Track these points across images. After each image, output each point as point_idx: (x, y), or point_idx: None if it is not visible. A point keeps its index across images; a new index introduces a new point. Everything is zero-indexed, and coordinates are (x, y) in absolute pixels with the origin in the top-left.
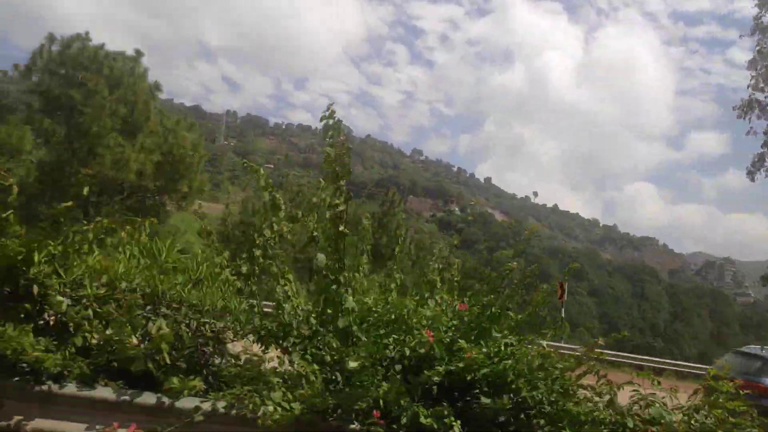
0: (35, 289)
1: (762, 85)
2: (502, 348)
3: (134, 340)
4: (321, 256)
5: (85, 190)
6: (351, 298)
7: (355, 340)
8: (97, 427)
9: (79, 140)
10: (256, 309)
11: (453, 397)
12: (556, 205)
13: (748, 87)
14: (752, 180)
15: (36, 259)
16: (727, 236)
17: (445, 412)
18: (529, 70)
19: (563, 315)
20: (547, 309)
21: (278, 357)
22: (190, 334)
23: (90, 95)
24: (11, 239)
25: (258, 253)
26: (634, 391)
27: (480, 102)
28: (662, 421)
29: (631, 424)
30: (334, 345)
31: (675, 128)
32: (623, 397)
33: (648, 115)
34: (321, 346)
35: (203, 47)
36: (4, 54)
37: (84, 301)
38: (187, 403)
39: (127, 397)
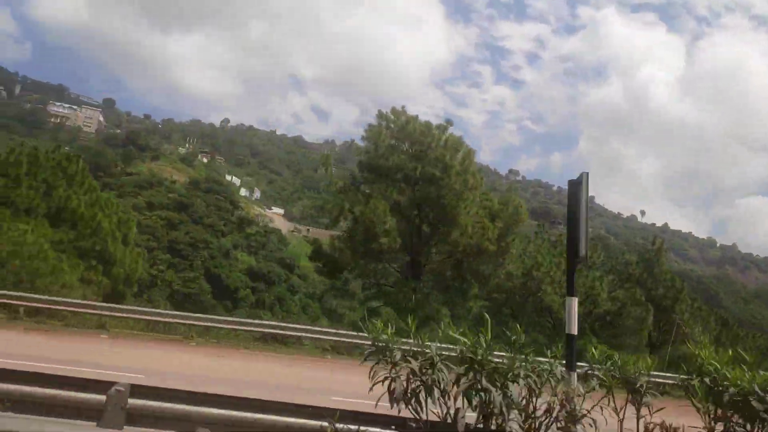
0: None
1: None
2: None
3: None
4: None
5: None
6: None
7: None
8: None
9: (430, 208)
10: None
11: None
12: (666, 224)
13: None
14: None
15: None
16: None
17: None
18: (626, 85)
19: None
20: None
21: None
22: None
23: (434, 165)
24: None
25: None
26: None
27: (573, 119)
28: None
29: None
30: None
31: None
32: None
33: (762, 125)
34: None
35: (294, 80)
36: (126, 96)
37: None
38: None
39: None
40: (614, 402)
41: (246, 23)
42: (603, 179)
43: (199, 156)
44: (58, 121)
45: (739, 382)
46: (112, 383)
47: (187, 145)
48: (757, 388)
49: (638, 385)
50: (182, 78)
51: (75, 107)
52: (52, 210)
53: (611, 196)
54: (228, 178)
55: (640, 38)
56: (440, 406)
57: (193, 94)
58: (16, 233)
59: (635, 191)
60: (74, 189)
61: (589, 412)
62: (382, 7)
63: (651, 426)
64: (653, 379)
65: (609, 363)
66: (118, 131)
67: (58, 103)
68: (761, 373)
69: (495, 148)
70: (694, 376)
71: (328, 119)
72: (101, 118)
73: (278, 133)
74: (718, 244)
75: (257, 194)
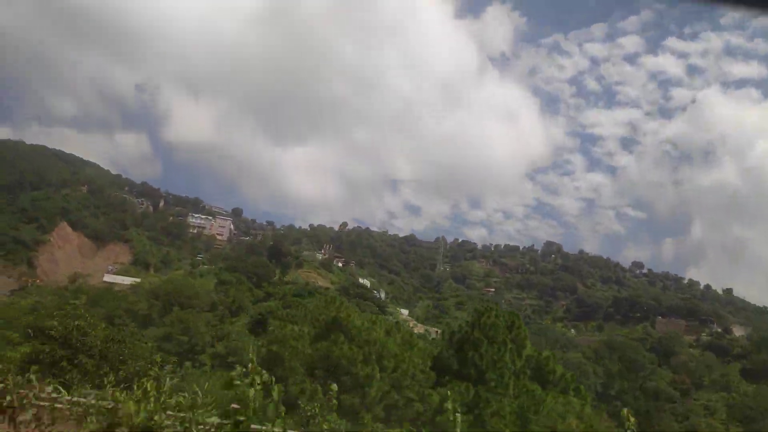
0: None
1: None
2: None
3: None
4: None
5: None
6: None
7: None
8: None
9: None
10: None
11: None
12: None
13: None
14: None
15: None
16: None
17: None
18: (739, 165)
19: None
20: None
21: None
22: None
23: None
24: None
25: None
26: None
27: (680, 204)
28: None
29: None
30: None
31: None
32: None
33: None
34: None
35: (392, 180)
36: (242, 203)
37: None
38: None
39: None
40: None
41: (351, 131)
42: (726, 267)
43: (334, 261)
44: (195, 231)
45: None
46: None
47: (321, 251)
48: None
49: None
50: (290, 184)
51: (210, 218)
52: None
53: (738, 286)
54: (361, 281)
55: (748, 115)
56: None
57: (296, 198)
58: None
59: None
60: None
61: None
62: (480, 107)
63: None
64: None
65: None
66: (247, 238)
67: (196, 215)
68: None
69: (596, 237)
70: None
71: (419, 214)
72: (232, 227)
73: (390, 233)
74: None
75: (382, 295)
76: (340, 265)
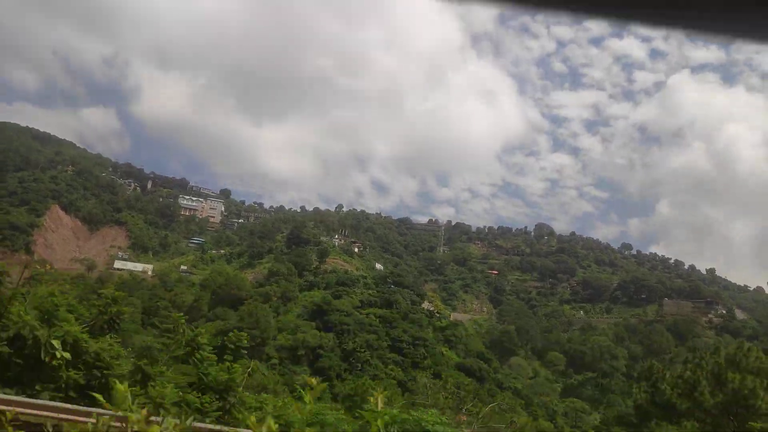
0: None
1: None
2: None
3: None
4: None
5: None
6: None
7: None
8: None
9: None
10: None
11: None
12: None
13: None
14: None
15: None
16: None
17: None
18: (707, 148)
19: None
20: None
21: None
22: None
23: None
24: None
25: None
26: None
27: (647, 185)
28: None
29: None
30: None
31: None
32: None
33: None
34: None
35: (360, 158)
36: (205, 177)
37: None
38: None
39: None
40: None
41: (328, 109)
42: (690, 245)
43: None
44: (188, 213)
45: None
46: None
47: (336, 236)
48: None
49: None
50: (261, 162)
51: (201, 200)
52: None
53: (704, 263)
54: (378, 266)
55: (717, 100)
56: None
57: (265, 175)
58: None
59: (727, 256)
60: None
61: None
62: (456, 87)
63: None
64: None
65: None
66: (240, 220)
67: (187, 197)
68: None
69: (567, 217)
70: None
71: (388, 193)
72: (222, 209)
73: (383, 215)
74: None
75: None
76: (356, 250)
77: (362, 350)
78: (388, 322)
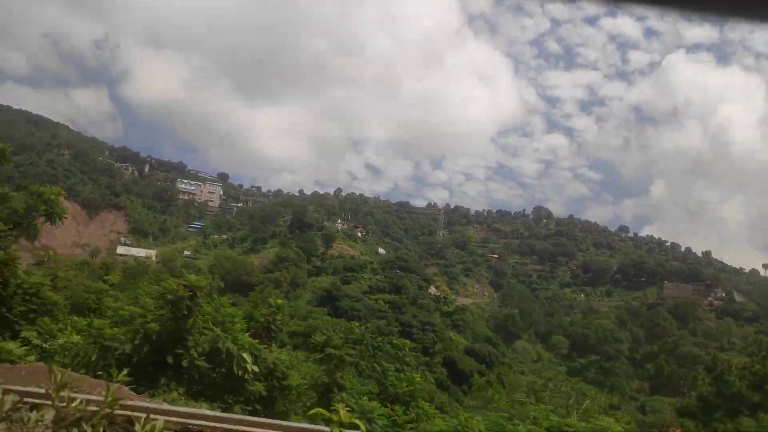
0: None
1: None
2: None
3: None
4: None
5: None
6: None
7: None
8: None
9: None
10: None
11: None
12: None
13: None
14: None
15: None
16: None
17: None
18: (702, 128)
19: None
20: None
21: None
22: None
23: None
24: None
25: None
26: None
27: (640, 165)
28: None
29: None
30: None
31: None
32: None
33: None
34: None
35: (356, 141)
36: (199, 161)
37: None
38: None
39: None
40: None
41: (324, 91)
42: (684, 226)
43: (356, 231)
44: (186, 197)
45: None
46: None
47: (339, 221)
48: None
49: None
50: (256, 145)
51: (199, 183)
52: None
53: (698, 243)
54: (381, 251)
55: (712, 80)
56: None
57: (260, 159)
58: None
59: (722, 237)
60: None
61: None
62: (455, 67)
63: None
64: None
65: None
66: (239, 204)
67: (185, 181)
68: None
69: (561, 198)
70: None
71: (382, 177)
72: (221, 192)
73: (382, 199)
74: None
75: None
76: (359, 234)
77: (375, 335)
78: (397, 308)
